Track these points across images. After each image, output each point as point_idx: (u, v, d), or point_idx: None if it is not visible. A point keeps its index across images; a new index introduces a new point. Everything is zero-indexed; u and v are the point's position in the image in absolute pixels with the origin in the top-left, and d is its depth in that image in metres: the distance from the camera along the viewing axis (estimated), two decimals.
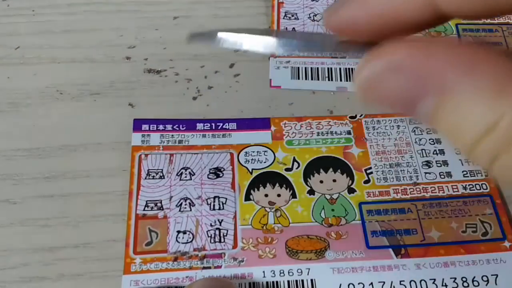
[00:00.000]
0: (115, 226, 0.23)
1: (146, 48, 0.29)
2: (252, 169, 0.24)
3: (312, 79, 0.28)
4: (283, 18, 0.30)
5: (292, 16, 0.30)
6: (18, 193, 0.24)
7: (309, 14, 0.30)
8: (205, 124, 0.25)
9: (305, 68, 0.28)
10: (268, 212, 0.23)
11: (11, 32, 0.30)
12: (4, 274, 0.22)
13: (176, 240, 0.22)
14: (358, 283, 0.21)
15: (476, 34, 0.29)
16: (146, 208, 0.23)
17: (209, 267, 0.21)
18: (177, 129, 0.25)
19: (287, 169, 0.24)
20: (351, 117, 0.26)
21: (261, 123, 0.26)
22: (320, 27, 0.30)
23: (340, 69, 0.28)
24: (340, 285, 0.21)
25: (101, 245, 0.22)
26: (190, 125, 0.25)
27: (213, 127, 0.25)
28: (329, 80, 0.27)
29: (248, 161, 0.24)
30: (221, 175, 0.24)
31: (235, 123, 0.26)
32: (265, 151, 0.25)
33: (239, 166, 0.24)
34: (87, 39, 0.29)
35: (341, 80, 0.27)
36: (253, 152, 0.25)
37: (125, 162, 0.25)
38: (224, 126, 0.25)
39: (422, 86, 0.11)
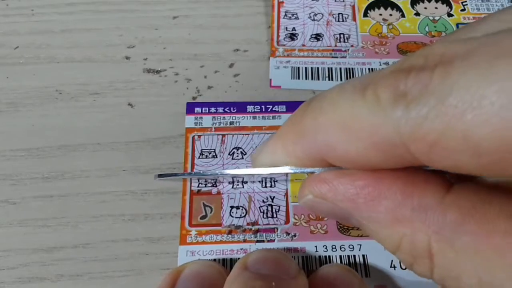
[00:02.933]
0: (115, 226, 0.23)
1: (146, 48, 0.29)
2: None
3: (312, 79, 0.27)
4: (283, 18, 0.30)
5: (292, 15, 0.30)
6: (17, 193, 0.24)
7: (309, 14, 0.30)
8: (255, 107, 0.26)
9: (305, 68, 0.28)
10: None
11: (10, 31, 0.30)
12: (3, 274, 0.22)
13: (230, 215, 0.23)
14: None
15: None
16: (200, 185, 0.24)
17: (263, 241, 0.22)
18: (228, 111, 0.26)
19: None
20: None
21: None
22: (321, 27, 0.30)
23: (340, 69, 0.28)
24: (392, 261, 0.22)
25: (101, 246, 0.22)
26: (240, 107, 0.26)
27: (263, 109, 0.26)
28: (329, 80, 0.27)
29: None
30: None
31: (285, 106, 0.26)
32: None
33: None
34: (86, 38, 0.29)
35: (341, 79, 0.27)
36: None
37: (124, 161, 0.25)
38: (273, 109, 0.26)
39: (344, 214, 0.14)
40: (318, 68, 0.28)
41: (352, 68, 0.28)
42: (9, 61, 0.28)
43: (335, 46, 0.29)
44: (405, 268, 0.21)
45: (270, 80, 0.27)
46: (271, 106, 0.26)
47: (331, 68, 0.28)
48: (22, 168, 0.24)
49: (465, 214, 0.11)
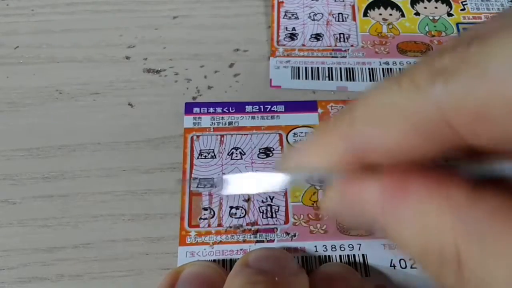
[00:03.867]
0: (115, 226, 0.23)
1: (146, 47, 0.29)
2: None
3: (312, 78, 0.27)
4: (283, 18, 0.30)
5: (292, 15, 0.30)
6: (17, 193, 0.24)
7: (309, 14, 0.30)
8: (253, 107, 0.26)
9: (305, 68, 0.28)
10: (318, 190, 0.23)
11: (10, 31, 0.30)
12: (3, 274, 0.22)
13: (229, 215, 0.23)
14: (409, 259, 0.22)
15: None
16: (199, 185, 0.24)
17: (262, 241, 0.22)
18: (227, 111, 0.26)
19: None
20: None
21: (308, 106, 0.26)
22: (321, 27, 0.30)
23: (340, 68, 0.28)
24: (391, 260, 0.22)
25: (101, 246, 0.22)
26: (239, 107, 0.26)
27: (262, 109, 0.26)
28: (329, 79, 0.27)
29: (297, 141, 0.25)
30: (270, 154, 0.25)
31: (283, 106, 0.26)
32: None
33: (288, 146, 0.25)
34: (87, 38, 0.29)
35: (341, 79, 0.27)
36: (301, 133, 0.25)
37: (124, 161, 0.25)
38: (272, 108, 0.26)
39: (368, 219, 0.13)
40: (318, 68, 0.28)
41: (352, 68, 0.28)
42: (9, 61, 0.28)
43: (335, 46, 0.29)
44: (405, 268, 0.21)
45: (270, 80, 0.27)
46: (269, 106, 0.26)
47: (331, 68, 0.28)
48: (22, 168, 0.24)
49: (493, 212, 0.11)
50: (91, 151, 0.25)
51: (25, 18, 0.30)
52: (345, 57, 0.28)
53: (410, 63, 0.28)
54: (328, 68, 0.28)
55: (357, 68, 0.28)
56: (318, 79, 0.27)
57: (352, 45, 0.29)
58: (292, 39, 0.29)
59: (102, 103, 0.27)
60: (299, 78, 0.27)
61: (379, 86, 0.12)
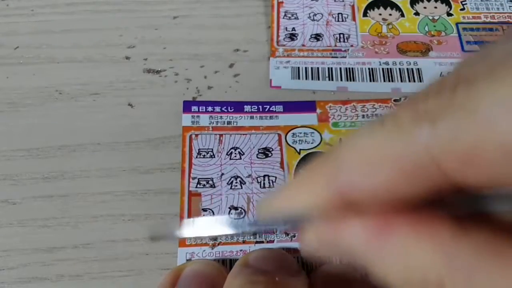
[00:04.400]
0: (115, 226, 0.23)
1: (146, 48, 0.29)
2: (300, 150, 0.25)
3: (312, 79, 0.27)
4: (283, 18, 0.30)
5: (292, 15, 0.30)
6: (17, 193, 0.24)
7: (309, 14, 0.30)
8: (252, 106, 0.26)
9: (305, 68, 0.28)
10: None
11: (10, 31, 0.30)
12: (3, 274, 0.22)
13: (229, 216, 0.23)
14: None
15: (477, 33, 0.29)
16: (198, 185, 0.23)
17: (262, 242, 0.22)
18: (226, 110, 0.26)
19: None
20: (395, 100, 0.26)
21: (307, 106, 0.26)
22: (321, 27, 0.30)
23: (340, 68, 0.28)
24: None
25: (101, 246, 0.22)
26: (238, 107, 0.26)
27: (260, 109, 0.26)
28: (329, 79, 0.27)
29: (296, 142, 0.25)
30: (269, 155, 0.25)
31: (282, 106, 0.26)
32: (312, 132, 0.25)
33: (287, 147, 0.25)
34: (87, 38, 0.29)
35: (341, 79, 0.27)
36: (300, 133, 0.25)
37: (124, 161, 0.25)
38: (271, 109, 0.26)
39: (350, 257, 0.13)
40: (318, 68, 0.28)
41: (352, 68, 0.28)
42: (9, 61, 0.28)
43: (335, 46, 0.29)
44: None
45: (270, 80, 0.27)
46: (268, 106, 0.26)
47: (331, 68, 0.28)
48: (22, 168, 0.24)
49: (480, 252, 0.11)
50: (91, 151, 0.25)
51: (25, 18, 0.30)
52: (345, 57, 0.28)
53: (410, 63, 0.28)
54: (328, 68, 0.28)
55: (357, 68, 0.28)
56: (318, 79, 0.27)
57: (352, 45, 0.29)
58: (292, 39, 0.29)
59: (102, 103, 0.27)
60: (299, 78, 0.27)
61: (363, 129, 0.13)
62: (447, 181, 0.11)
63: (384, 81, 0.27)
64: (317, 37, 0.29)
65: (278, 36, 0.29)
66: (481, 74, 0.10)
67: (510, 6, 0.30)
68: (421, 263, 0.12)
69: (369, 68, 0.28)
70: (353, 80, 0.27)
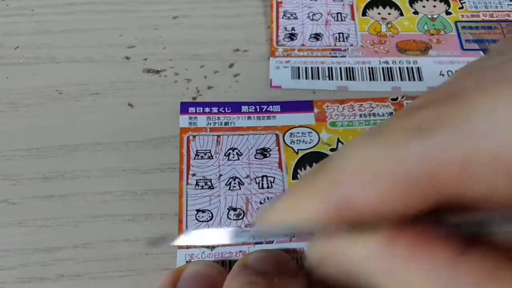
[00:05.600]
0: (115, 226, 0.23)
1: (146, 48, 0.29)
2: (298, 149, 0.25)
3: (312, 78, 0.27)
4: (282, 18, 0.30)
5: (291, 15, 0.30)
6: (17, 193, 0.24)
7: (308, 14, 0.30)
8: (249, 107, 0.26)
9: (305, 68, 0.28)
10: None
11: (10, 31, 0.30)
12: (3, 274, 0.22)
13: (228, 217, 0.23)
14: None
15: (476, 31, 0.29)
16: (196, 187, 0.23)
17: (261, 243, 0.22)
18: (223, 111, 0.26)
19: (332, 149, 0.25)
20: (393, 99, 0.26)
21: (304, 106, 0.26)
22: (320, 27, 0.30)
23: (340, 68, 0.28)
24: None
25: (101, 246, 0.22)
26: (235, 107, 0.26)
27: (258, 110, 0.26)
28: (329, 79, 0.27)
29: (294, 142, 0.25)
30: (268, 155, 0.25)
31: (279, 106, 0.26)
32: (310, 132, 0.25)
33: (285, 147, 0.25)
34: (87, 38, 0.29)
35: (341, 79, 0.27)
36: (298, 133, 0.25)
37: (124, 161, 0.25)
38: (268, 109, 0.26)
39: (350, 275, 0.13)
40: (318, 67, 0.28)
41: (352, 67, 0.28)
42: (9, 61, 0.28)
43: (335, 45, 0.29)
44: None
45: (271, 80, 0.27)
46: (265, 106, 0.26)
47: (331, 68, 0.28)
48: (22, 168, 0.24)
49: (480, 276, 0.11)
50: (91, 151, 0.25)
51: (25, 18, 0.30)
52: (345, 56, 0.28)
53: (409, 61, 0.28)
54: (328, 68, 0.28)
55: (357, 68, 0.28)
56: (318, 79, 0.27)
57: (351, 45, 0.29)
58: (292, 39, 0.29)
59: (102, 103, 0.27)
60: (299, 78, 0.27)
61: (358, 141, 0.13)
62: (442, 195, 0.11)
63: (384, 80, 0.27)
64: (317, 36, 0.29)
65: (277, 36, 0.29)
66: (470, 88, 0.10)
67: (508, 4, 0.30)
68: (421, 284, 0.11)
69: (369, 67, 0.28)
70: (353, 80, 0.27)
